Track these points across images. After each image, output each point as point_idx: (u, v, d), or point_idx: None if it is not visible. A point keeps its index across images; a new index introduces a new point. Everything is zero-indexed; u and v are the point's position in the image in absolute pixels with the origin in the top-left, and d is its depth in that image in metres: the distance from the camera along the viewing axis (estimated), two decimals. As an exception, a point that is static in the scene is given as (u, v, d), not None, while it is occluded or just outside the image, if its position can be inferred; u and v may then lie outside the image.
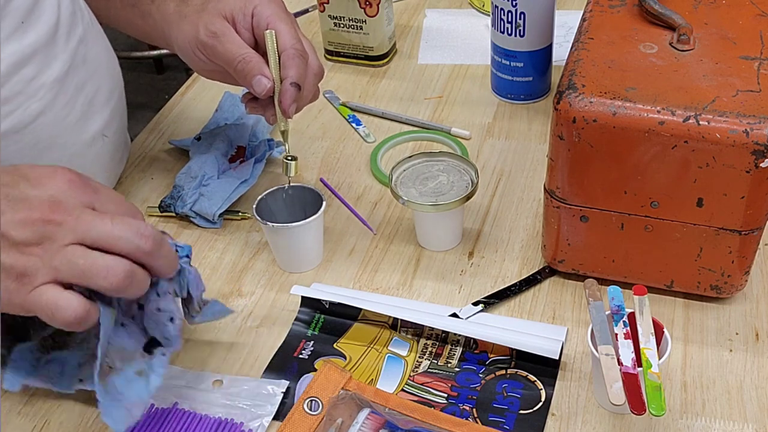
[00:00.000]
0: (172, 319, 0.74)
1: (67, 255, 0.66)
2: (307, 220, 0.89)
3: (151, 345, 0.76)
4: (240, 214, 1.00)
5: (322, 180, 1.05)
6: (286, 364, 0.84)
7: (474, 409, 0.79)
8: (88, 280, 0.66)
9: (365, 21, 1.19)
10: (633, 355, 0.73)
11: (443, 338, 0.85)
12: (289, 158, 0.92)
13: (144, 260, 0.69)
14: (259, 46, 0.91)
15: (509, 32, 1.09)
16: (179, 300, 0.76)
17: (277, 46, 0.88)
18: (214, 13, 0.90)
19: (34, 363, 0.78)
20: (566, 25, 1.25)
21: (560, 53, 1.08)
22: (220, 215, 0.98)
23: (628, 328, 0.75)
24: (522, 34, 1.08)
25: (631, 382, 0.71)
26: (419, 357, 0.84)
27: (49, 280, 0.66)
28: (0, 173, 0.69)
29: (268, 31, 0.88)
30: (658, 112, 0.76)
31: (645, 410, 0.69)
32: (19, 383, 0.77)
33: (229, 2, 0.91)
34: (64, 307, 0.66)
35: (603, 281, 0.84)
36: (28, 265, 0.65)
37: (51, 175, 0.68)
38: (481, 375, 0.82)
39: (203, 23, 0.90)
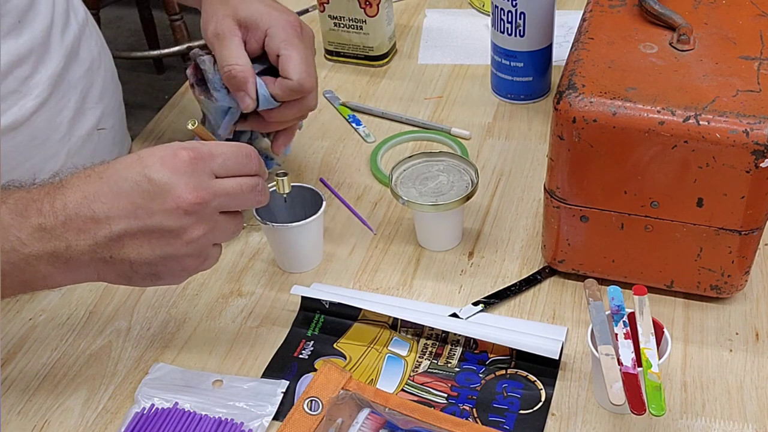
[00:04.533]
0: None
1: (221, 227, 0.75)
2: (307, 220, 0.89)
3: None
4: None
5: (322, 180, 1.05)
6: (286, 364, 0.84)
7: (474, 409, 0.79)
8: (237, 232, 0.78)
9: (365, 21, 1.19)
10: (633, 355, 0.73)
11: (443, 338, 0.85)
12: (281, 174, 0.89)
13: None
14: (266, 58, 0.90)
15: (509, 32, 1.09)
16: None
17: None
18: (229, 12, 0.89)
19: None
20: (566, 25, 1.25)
21: (560, 53, 1.08)
22: None
23: (628, 328, 0.75)
24: (522, 34, 1.08)
25: (631, 382, 0.71)
26: (419, 357, 0.84)
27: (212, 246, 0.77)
28: (121, 170, 0.72)
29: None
30: (658, 112, 0.76)
31: (645, 410, 0.69)
32: None
33: (249, 8, 0.89)
34: (217, 259, 0.78)
35: (603, 281, 0.84)
36: (197, 250, 0.74)
37: (174, 159, 0.72)
38: (481, 375, 0.82)
39: (216, 19, 0.89)
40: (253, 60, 0.89)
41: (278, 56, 0.88)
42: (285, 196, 0.90)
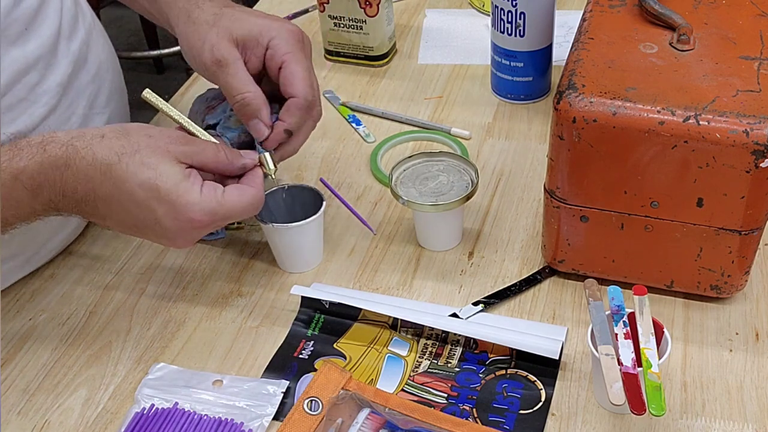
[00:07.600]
0: None
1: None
2: (307, 220, 0.89)
3: None
4: (235, 224, 0.98)
5: (322, 180, 1.05)
6: (286, 364, 0.84)
7: (474, 409, 0.79)
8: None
9: (365, 21, 1.19)
10: (633, 355, 0.73)
11: (443, 338, 0.85)
12: (264, 151, 0.85)
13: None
14: (266, 75, 0.87)
15: (509, 32, 1.09)
16: None
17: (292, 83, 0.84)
18: (223, 34, 0.84)
19: None
20: (566, 25, 1.25)
21: (560, 53, 1.08)
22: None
23: (628, 328, 0.75)
24: (522, 34, 1.08)
25: (631, 382, 0.71)
26: (419, 357, 0.84)
27: None
28: (136, 192, 0.76)
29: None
30: (658, 112, 0.76)
31: (645, 410, 0.69)
32: None
33: (244, 25, 0.84)
34: None
35: (603, 281, 0.84)
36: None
37: (190, 225, 0.78)
38: (481, 375, 0.82)
39: (210, 44, 0.84)
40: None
41: (280, 69, 0.85)
42: (273, 177, 0.86)
